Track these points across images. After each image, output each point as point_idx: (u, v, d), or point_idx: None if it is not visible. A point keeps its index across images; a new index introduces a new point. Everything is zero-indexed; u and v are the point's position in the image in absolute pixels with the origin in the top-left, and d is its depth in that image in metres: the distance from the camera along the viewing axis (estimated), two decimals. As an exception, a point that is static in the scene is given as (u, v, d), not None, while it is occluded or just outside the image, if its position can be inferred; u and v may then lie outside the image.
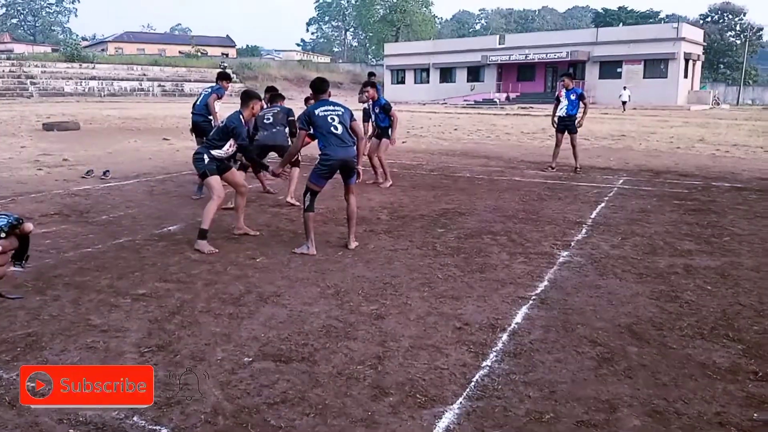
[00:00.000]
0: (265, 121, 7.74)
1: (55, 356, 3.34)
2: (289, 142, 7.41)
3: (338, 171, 5.54)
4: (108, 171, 9.98)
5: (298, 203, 7.55)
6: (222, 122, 5.94)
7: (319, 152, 5.59)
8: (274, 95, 8.35)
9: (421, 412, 2.83)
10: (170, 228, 6.41)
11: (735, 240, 6.13)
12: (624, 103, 36.05)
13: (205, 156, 5.65)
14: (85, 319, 3.88)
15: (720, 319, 4.04)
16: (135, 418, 2.73)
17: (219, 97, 8.71)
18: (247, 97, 5.86)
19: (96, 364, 3.25)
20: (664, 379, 3.17)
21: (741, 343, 3.64)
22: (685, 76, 45.72)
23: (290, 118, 7.75)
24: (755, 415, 2.85)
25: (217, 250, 5.47)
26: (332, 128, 5.41)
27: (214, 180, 5.67)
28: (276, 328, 3.79)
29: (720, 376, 3.22)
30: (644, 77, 44.37)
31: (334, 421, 2.73)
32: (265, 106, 8.05)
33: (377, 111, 9.26)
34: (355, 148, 5.53)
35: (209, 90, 8.85)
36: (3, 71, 44.53)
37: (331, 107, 5.55)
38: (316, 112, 5.47)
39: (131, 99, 44.08)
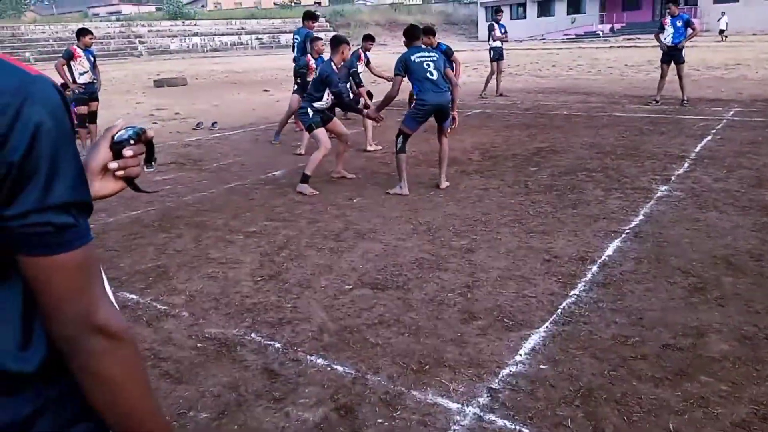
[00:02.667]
0: None
1: (181, 284, 3.81)
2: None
3: (432, 116, 5.66)
4: (216, 122, 10.62)
5: (379, 147, 7.79)
6: (316, 74, 6.18)
7: (414, 97, 5.72)
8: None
9: (508, 334, 3.02)
10: (274, 173, 6.84)
11: None
12: (721, 32, 32.35)
13: (309, 110, 5.93)
14: (206, 254, 4.35)
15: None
16: (252, 335, 3.12)
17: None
18: (336, 42, 6.02)
19: (217, 291, 3.68)
20: (757, 307, 3.16)
21: None
22: (817, -8, 40.77)
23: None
24: None
25: (317, 192, 5.82)
26: (428, 74, 5.47)
27: (321, 132, 5.96)
28: (372, 260, 4.07)
29: (820, 305, 3.16)
30: (767, -3, 40.06)
31: (426, 340, 2.98)
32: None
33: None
34: (449, 93, 5.60)
35: (297, 38, 9.05)
36: (114, 32, 47.18)
37: (426, 53, 5.60)
38: (412, 58, 5.54)
39: (232, 53, 45.57)
